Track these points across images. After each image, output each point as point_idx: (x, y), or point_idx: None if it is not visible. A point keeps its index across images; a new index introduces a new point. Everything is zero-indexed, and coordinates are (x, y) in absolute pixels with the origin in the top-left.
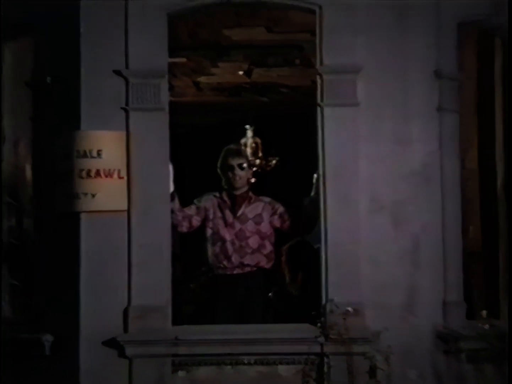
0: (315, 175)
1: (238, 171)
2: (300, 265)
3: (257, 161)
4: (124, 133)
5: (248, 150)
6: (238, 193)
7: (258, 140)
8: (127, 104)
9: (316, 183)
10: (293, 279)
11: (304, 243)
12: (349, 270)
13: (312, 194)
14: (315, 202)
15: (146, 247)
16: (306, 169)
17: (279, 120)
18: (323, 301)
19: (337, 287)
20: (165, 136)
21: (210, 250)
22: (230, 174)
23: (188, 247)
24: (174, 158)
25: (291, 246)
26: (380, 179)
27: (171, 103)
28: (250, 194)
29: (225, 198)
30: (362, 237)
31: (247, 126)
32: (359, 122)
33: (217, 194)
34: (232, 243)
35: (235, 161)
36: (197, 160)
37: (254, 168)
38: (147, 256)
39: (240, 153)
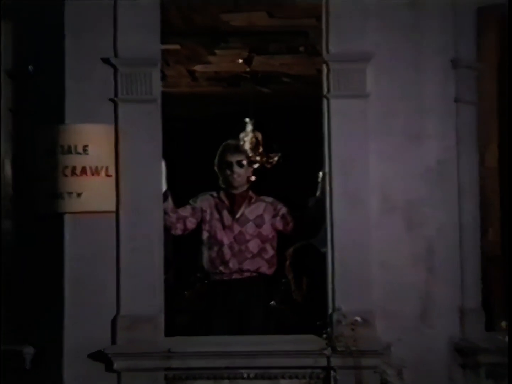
0: (321, 173)
1: (237, 168)
2: (305, 270)
3: (258, 157)
4: (112, 127)
5: (248, 146)
6: (237, 192)
7: (259, 134)
8: (115, 95)
9: (322, 182)
10: (298, 286)
11: (310, 246)
12: (358, 276)
13: (318, 193)
14: (321, 202)
15: (136, 251)
16: (311, 167)
17: (281, 113)
18: (330, 310)
19: (345, 295)
20: (157, 131)
21: (206, 255)
22: (228, 172)
23: (182, 251)
24: (167, 154)
25: (296, 250)
26: (392, 178)
27: (163, 94)
28: (250, 193)
29: (223, 197)
30: (372, 240)
31: (247, 120)
32: (369, 115)
33: (214, 194)
34: (231, 247)
35: (233, 158)
36: (192, 157)
37: (255, 166)
38: (137, 261)
39: (239, 149)
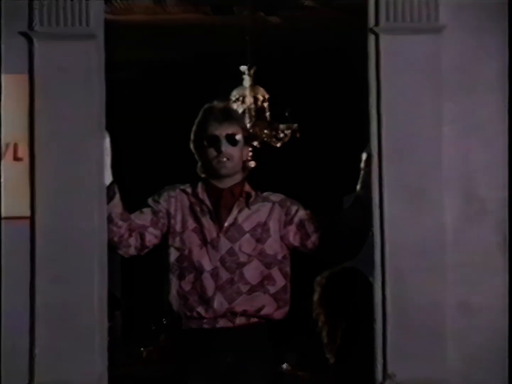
0: (363, 156)
1: (227, 147)
2: (344, 310)
3: (260, 130)
4: (25, 77)
5: (244, 110)
6: (226, 185)
7: (262, 92)
8: (30, 26)
9: (365, 170)
10: (332, 336)
11: (353, 272)
12: (425, 323)
13: (358, 188)
14: (364, 202)
15: (61, 283)
16: (345, 146)
17: (298, 58)
18: (379, 378)
19: (402, 354)
20: (98, 85)
21: (175, 287)
22: (212, 153)
23: (136, 283)
24: (114, 124)
25: (331, 277)
26: (480, 163)
27: (108, 26)
28: (247, 187)
29: (203, 195)
30: (448, 263)
31: (243, 68)
32: (443, 62)
33: (189, 189)
34: (215, 275)
35: (221, 131)
36: (153, 129)
37: (255, 143)
38: (63, 299)
39: (230, 116)
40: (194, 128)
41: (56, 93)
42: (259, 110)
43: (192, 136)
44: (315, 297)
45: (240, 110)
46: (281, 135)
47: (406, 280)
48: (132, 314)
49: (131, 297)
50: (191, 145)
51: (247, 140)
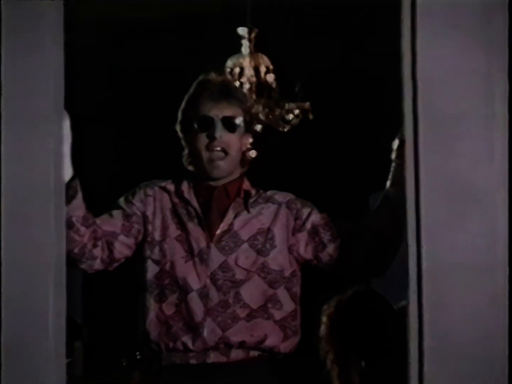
0: (394, 143)
1: (222, 133)
2: (359, 347)
3: (263, 110)
4: None
5: (243, 85)
6: (219, 182)
7: (265, 61)
8: None
9: (396, 162)
10: (345, 380)
11: (368, 296)
12: (472, 358)
13: (388, 184)
14: (395, 202)
15: (7, 308)
16: (370, 130)
17: (310, 18)
18: None
19: None
20: (55, 51)
21: (153, 312)
22: (204, 139)
23: (102, 307)
24: (76, 103)
25: (340, 305)
26: None
27: None
28: (246, 184)
29: (189, 193)
30: (503, 282)
31: (242, 31)
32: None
33: (171, 186)
34: (204, 296)
35: (217, 111)
36: (126, 109)
37: (258, 128)
38: (10, 330)
39: (229, 93)
40: (182, 105)
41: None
42: (262, 85)
43: (179, 116)
44: (322, 330)
45: (238, 83)
46: (290, 117)
47: (450, 304)
48: (96, 346)
49: (95, 325)
50: (178, 128)
51: (249, 125)
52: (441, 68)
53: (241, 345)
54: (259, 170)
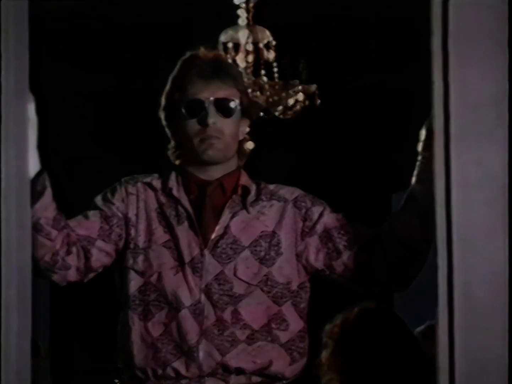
0: (422, 133)
1: (215, 119)
2: (371, 371)
3: (262, 93)
4: None
5: (240, 62)
6: (213, 176)
7: (265, 36)
8: None
9: (423, 155)
10: None
11: (378, 314)
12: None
13: (414, 181)
14: (422, 202)
15: None
16: (390, 118)
17: None
18: None
19: None
20: (21, 28)
21: (137, 332)
22: (194, 126)
23: (74, 326)
24: (43, 84)
25: (346, 324)
26: None
27: None
28: (245, 179)
29: (178, 191)
30: None
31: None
32: None
33: (156, 182)
34: (198, 313)
35: (208, 93)
36: (103, 93)
37: (257, 113)
38: None
39: (222, 71)
40: (167, 88)
41: None
42: (260, 63)
43: (163, 101)
44: (325, 354)
45: (233, 60)
46: (293, 101)
47: (487, 326)
48: (67, 372)
49: (65, 347)
50: (161, 115)
51: (247, 109)
52: (476, 60)
53: (242, 371)
54: (258, 164)
